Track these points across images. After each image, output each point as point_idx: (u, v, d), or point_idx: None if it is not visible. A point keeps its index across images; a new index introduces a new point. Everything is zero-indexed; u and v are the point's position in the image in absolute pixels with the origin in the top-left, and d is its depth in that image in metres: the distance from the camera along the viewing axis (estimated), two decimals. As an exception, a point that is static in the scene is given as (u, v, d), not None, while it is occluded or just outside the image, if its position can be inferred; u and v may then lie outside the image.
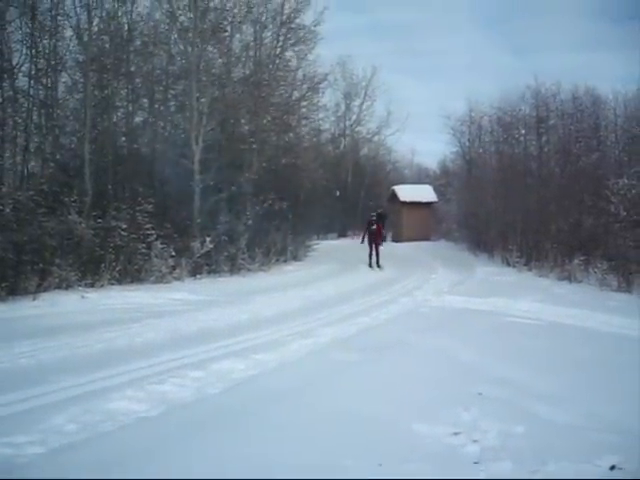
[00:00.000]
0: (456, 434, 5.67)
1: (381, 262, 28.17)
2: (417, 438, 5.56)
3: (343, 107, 53.71)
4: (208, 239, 21.25)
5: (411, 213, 41.67)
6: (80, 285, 16.49)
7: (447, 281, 21.04)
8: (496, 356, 9.24)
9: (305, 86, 33.93)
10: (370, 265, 26.23)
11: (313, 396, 6.85)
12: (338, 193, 46.93)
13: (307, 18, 30.48)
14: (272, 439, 5.43)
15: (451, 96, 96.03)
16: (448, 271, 24.46)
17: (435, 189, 44.43)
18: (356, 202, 49.72)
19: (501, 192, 29.82)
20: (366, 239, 27.24)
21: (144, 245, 18.99)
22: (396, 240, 42.07)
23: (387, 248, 36.94)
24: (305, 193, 34.82)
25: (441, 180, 50.04)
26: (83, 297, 15.22)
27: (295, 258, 28.73)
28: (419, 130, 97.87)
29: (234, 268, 22.90)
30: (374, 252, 26.50)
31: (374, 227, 26.90)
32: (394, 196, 43.57)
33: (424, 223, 41.61)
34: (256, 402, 6.57)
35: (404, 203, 41.96)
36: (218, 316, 13.09)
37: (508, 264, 26.72)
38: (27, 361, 8.48)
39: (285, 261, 27.37)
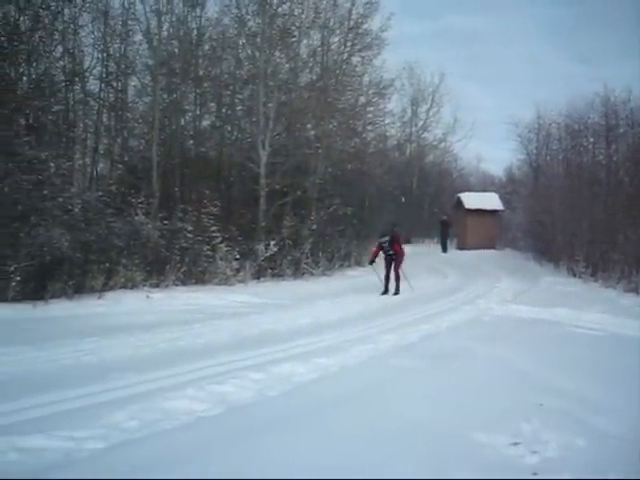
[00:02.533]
0: (515, 444, 5.59)
1: (445, 269, 27.87)
2: (476, 447, 5.49)
3: (409, 113, 53.45)
4: (272, 242, 21.34)
5: (476, 221, 41.18)
6: (145, 285, 16.70)
7: (511, 290, 20.77)
8: (558, 367, 9.08)
9: (371, 91, 33.84)
10: (385, 291, 19.37)
11: (372, 401, 6.82)
12: (403, 199, 46.72)
13: (374, 24, 30.42)
14: (330, 443, 5.42)
15: (518, 104, 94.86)
16: (512, 280, 24.14)
17: (501, 197, 43.76)
18: (421, 209, 49.46)
19: (568, 201, 29.27)
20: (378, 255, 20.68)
21: (209, 247, 19.15)
22: (460, 248, 41.69)
23: (451, 256, 36.79)
24: (370, 199, 34.76)
25: (507, 188, 49.39)
26: (148, 297, 15.40)
27: (359, 264, 28.62)
28: (486, 137, 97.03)
29: (297, 272, 22.95)
30: (392, 274, 19.52)
31: (389, 248, 19.75)
32: (459, 203, 43.15)
33: (489, 231, 41.07)
34: (315, 406, 6.56)
35: (469, 211, 41.49)
36: (280, 319, 13.12)
37: (574, 274, 26.25)
38: (91, 358, 8.61)
39: (349, 266, 27.30)
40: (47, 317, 12.35)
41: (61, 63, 22.24)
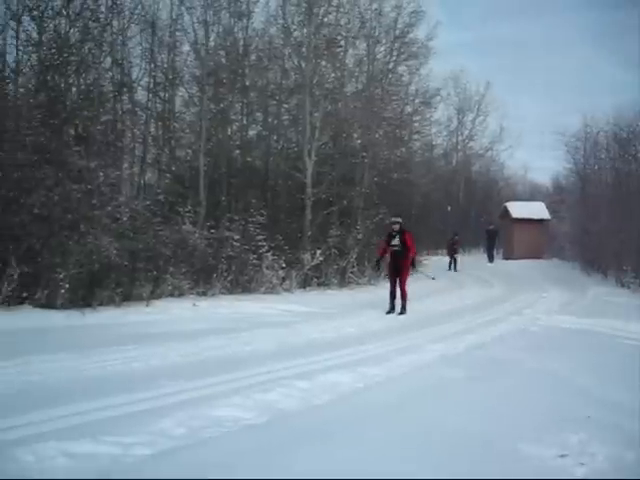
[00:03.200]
0: (563, 456, 5.50)
1: (491, 279, 27.61)
2: (522, 458, 5.42)
3: (456, 122, 53.47)
4: (318, 252, 21.36)
5: (523, 230, 40.83)
6: (192, 293, 16.81)
7: (558, 300, 20.56)
8: (605, 378, 8.94)
9: (417, 100, 33.95)
10: (390, 309, 16.29)
11: (417, 411, 6.78)
12: (449, 209, 46.56)
13: (420, 33, 30.45)
14: (374, 453, 5.39)
15: (565, 112, 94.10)
16: (559, 290, 23.89)
17: (548, 206, 43.38)
18: (467, 218, 49.21)
19: (616, 210, 28.95)
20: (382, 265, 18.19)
21: (255, 256, 19.22)
22: (507, 257, 41.41)
23: (497, 266, 36.49)
24: (416, 208, 34.67)
25: (554, 197, 49.00)
26: (195, 305, 15.49)
27: (405, 273, 28.52)
28: (532, 146, 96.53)
29: (343, 281, 22.94)
30: (397, 288, 16.39)
31: (397, 247, 16.39)
32: (506, 213, 42.86)
33: (536, 241, 40.70)
34: (361, 415, 6.53)
35: (516, 220, 41.16)
36: (326, 328, 13.11)
37: (622, 285, 25.93)
38: (138, 365, 8.66)
39: (395, 276, 27.18)
40: (95, 324, 12.48)
41: (110, 74, 22.54)
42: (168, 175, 23.50)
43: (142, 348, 9.85)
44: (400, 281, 16.31)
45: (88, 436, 5.33)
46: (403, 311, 16.17)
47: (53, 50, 19.07)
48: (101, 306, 13.99)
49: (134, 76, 24.17)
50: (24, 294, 13.40)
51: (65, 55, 19.05)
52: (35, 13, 18.84)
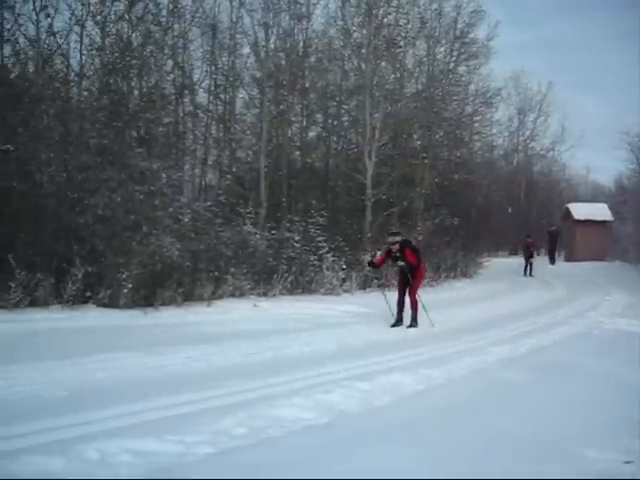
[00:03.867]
0: (628, 463, 5.39)
1: (553, 281, 27.23)
2: (586, 463, 5.33)
3: (516, 122, 52.87)
4: (379, 253, 21.27)
5: (585, 232, 40.18)
6: (252, 294, 16.88)
7: (621, 303, 20.18)
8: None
9: (478, 101, 33.66)
10: (397, 321, 14.11)
11: (478, 414, 6.71)
12: (510, 210, 46.11)
13: (480, 33, 30.21)
14: (433, 455, 5.34)
15: (629, 111, 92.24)
16: (622, 293, 23.44)
17: (610, 207, 42.61)
18: (528, 220, 48.65)
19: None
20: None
21: (316, 257, 19.25)
22: (568, 259, 40.82)
23: (559, 268, 35.98)
24: (477, 209, 34.40)
25: (617, 198, 48.12)
26: (255, 305, 15.55)
27: (465, 275, 28.33)
28: (594, 146, 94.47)
29: (404, 283, 22.82)
30: (406, 299, 14.32)
31: (401, 258, 14.35)
32: (568, 214, 42.26)
33: (598, 243, 39.98)
34: (421, 417, 6.49)
35: (578, 221, 40.53)
36: (386, 329, 13.09)
37: (687, 287, 25.37)
38: (200, 365, 8.74)
39: (455, 277, 27.02)
40: (157, 324, 12.60)
41: (171, 77, 22.80)
42: (229, 176, 23.65)
43: (203, 348, 9.93)
44: (410, 290, 14.21)
45: (152, 434, 5.38)
46: (413, 324, 13.93)
47: (116, 54, 19.35)
48: (163, 306, 14.14)
49: (195, 78, 24.40)
50: (88, 293, 13.60)
51: (127, 58, 19.32)
52: (98, 18, 19.13)
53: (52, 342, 10.43)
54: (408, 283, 14.27)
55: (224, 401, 6.74)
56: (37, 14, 17.96)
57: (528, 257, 32.62)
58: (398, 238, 14.69)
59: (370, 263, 15.87)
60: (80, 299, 13.50)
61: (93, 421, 5.88)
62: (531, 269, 32.48)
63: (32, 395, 6.81)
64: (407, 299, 14.23)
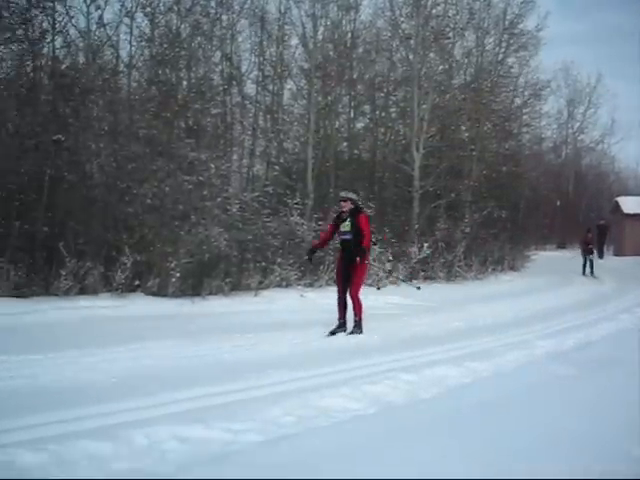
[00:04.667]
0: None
1: (602, 275, 26.86)
2: (634, 461, 5.23)
3: (565, 114, 52.35)
4: (426, 245, 21.23)
5: (635, 226, 39.52)
6: (299, 284, 16.95)
7: (673, 299, 19.86)
8: None
9: (527, 93, 33.36)
10: (338, 327, 11.16)
11: (526, 409, 6.60)
12: (558, 203, 45.65)
13: (530, 23, 29.88)
14: (477, 449, 5.29)
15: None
16: (673, 288, 23.05)
17: (663, 201, 41.96)
18: (576, 213, 48.14)
19: None
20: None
21: (362, 248, 19.25)
22: (617, 254, 40.25)
23: (607, 262, 35.48)
24: (525, 202, 34.10)
25: (669, 191, 47.41)
26: (302, 296, 15.61)
27: (512, 268, 28.10)
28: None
29: (450, 275, 22.75)
30: (355, 307, 11.22)
31: (348, 235, 11.22)
32: (617, 208, 41.71)
33: (648, 237, 39.40)
34: (467, 410, 6.43)
35: (627, 215, 39.94)
36: (432, 322, 13.03)
37: None
38: (247, 354, 8.83)
39: (501, 271, 26.81)
40: (205, 313, 12.71)
41: (219, 68, 22.91)
42: (276, 167, 23.75)
43: (250, 337, 9.99)
44: (351, 286, 11.13)
45: (199, 421, 5.41)
46: (356, 330, 11.09)
47: (165, 45, 19.49)
48: (210, 295, 14.26)
49: (243, 69, 24.51)
50: (136, 282, 13.77)
51: (176, 50, 19.45)
52: (148, 9, 19.31)
53: (101, 330, 10.60)
54: (348, 276, 11.16)
55: (271, 390, 6.76)
56: (88, 6, 18.17)
57: (588, 253, 29.85)
58: (352, 195, 11.49)
59: (309, 253, 12.16)
60: (129, 287, 13.67)
61: (141, 408, 5.93)
62: (592, 267, 29.42)
63: (82, 381, 6.90)
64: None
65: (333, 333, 10.98)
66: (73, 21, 18.01)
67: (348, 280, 11.16)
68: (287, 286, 16.55)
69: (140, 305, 12.90)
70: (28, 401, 6.06)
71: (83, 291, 13.42)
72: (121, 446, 4.80)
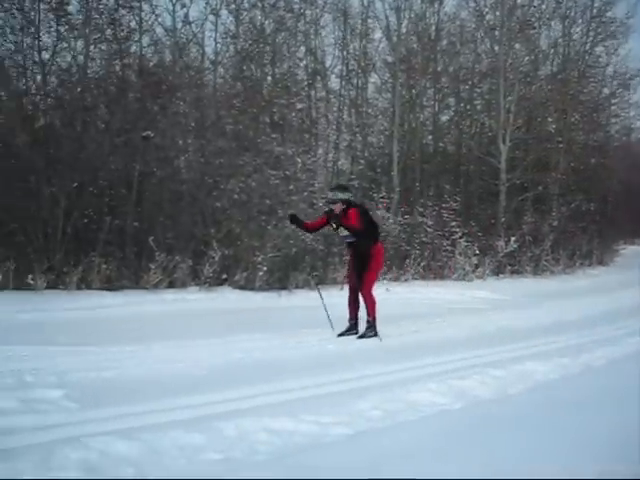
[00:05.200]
0: None
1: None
2: None
3: (657, 104, 50.92)
4: (512, 239, 20.99)
5: None
6: (385, 278, 16.93)
7: None
8: None
9: (615, 82, 32.52)
10: (348, 328, 10.23)
11: (617, 408, 6.46)
12: (649, 195, 44.53)
13: (618, 10, 29.23)
14: (567, 449, 5.19)
15: None
16: None
17: None
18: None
19: None
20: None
21: (448, 242, 19.20)
22: None
23: None
24: (614, 195, 33.39)
25: None
26: (387, 290, 15.59)
27: (600, 262, 27.60)
28: None
29: (537, 269, 22.46)
30: (368, 305, 10.17)
31: (351, 239, 10.13)
32: None
33: None
34: (555, 407, 6.34)
35: None
36: (519, 316, 12.87)
37: None
38: (335, 347, 8.95)
39: (589, 265, 26.34)
40: (292, 306, 12.82)
41: (304, 62, 23.02)
42: (361, 161, 23.75)
43: (337, 331, 10.01)
44: (362, 284, 10.12)
45: (288, 414, 5.45)
46: (368, 332, 9.96)
47: (249, 41, 19.73)
48: (297, 289, 14.37)
49: (327, 64, 24.59)
50: (224, 276, 13.97)
51: (261, 45, 19.65)
52: (232, 6, 19.59)
53: (190, 322, 10.79)
54: (360, 273, 10.14)
55: (360, 383, 6.77)
56: (173, 4, 18.56)
57: None
58: (342, 195, 10.10)
59: (294, 218, 10.56)
60: (216, 281, 13.90)
61: (231, 399, 5.99)
62: None
63: (171, 373, 7.03)
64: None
65: (341, 335, 9.98)
66: (159, 20, 18.39)
67: (361, 276, 10.10)
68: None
69: (228, 298, 13.11)
70: (120, 391, 6.19)
71: (172, 284, 13.69)
72: (212, 437, 4.86)
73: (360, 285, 10.12)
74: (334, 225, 10.02)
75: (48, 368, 7.11)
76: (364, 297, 10.12)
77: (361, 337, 9.86)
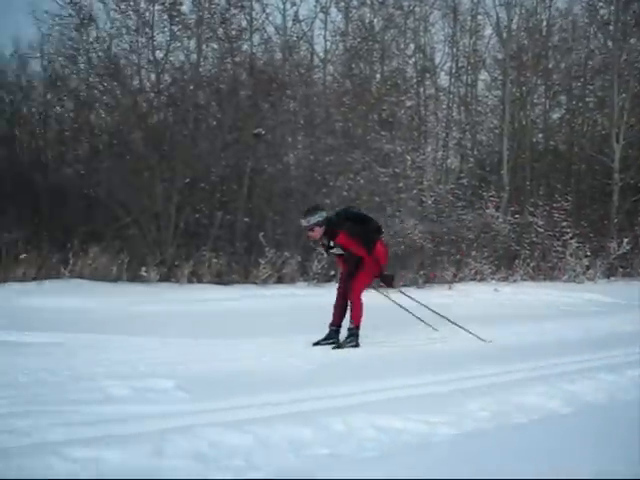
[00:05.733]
0: None
1: None
2: None
3: None
4: (625, 240, 20.44)
5: None
6: (493, 278, 16.78)
7: None
8: None
9: None
10: (328, 334, 9.06)
11: None
12: None
13: None
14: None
15: None
16: None
17: None
18: None
19: None
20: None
21: (559, 243, 18.84)
22: None
23: None
24: None
25: None
26: (496, 290, 15.43)
27: None
28: None
29: (651, 272, 21.81)
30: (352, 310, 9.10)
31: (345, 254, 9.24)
32: None
33: None
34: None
35: None
36: (634, 320, 12.53)
37: None
38: (441, 346, 8.95)
39: None
40: (396, 304, 12.78)
41: (412, 60, 22.97)
42: (471, 159, 23.57)
43: (445, 330, 9.98)
44: (351, 287, 9.13)
45: (397, 412, 5.45)
46: (347, 342, 8.88)
47: (358, 39, 19.80)
48: (404, 287, 14.34)
49: (437, 61, 24.48)
50: (332, 272, 14.08)
51: (370, 43, 19.70)
52: (342, 4, 19.73)
53: (298, 317, 10.90)
54: (352, 268, 9.24)
55: (468, 384, 6.71)
56: (284, 3, 18.86)
57: None
58: (314, 217, 9.04)
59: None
60: (324, 277, 14.01)
61: (339, 395, 6.04)
62: None
63: (283, 367, 7.15)
64: None
65: (316, 344, 8.86)
66: (270, 18, 18.67)
67: (352, 276, 9.14)
68: (481, 280, 16.44)
69: (332, 294, 13.18)
70: (230, 384, 6.39)
71: (281, 280, 13.88)
72: (320, 432, 4.90)
73: (350, 288, 9.09)
74: (332, 246, 9.09)
75: (160, 359, 7.36)
76: (351, 299, 9.05)
77: (337, 347, 8.74)
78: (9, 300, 12.56)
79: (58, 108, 19.35)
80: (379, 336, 9.38)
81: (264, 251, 13.58)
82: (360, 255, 8.95)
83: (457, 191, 17.91)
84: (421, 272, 14.76)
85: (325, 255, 10.38)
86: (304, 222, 9.05)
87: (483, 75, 25.50)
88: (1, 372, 6.57)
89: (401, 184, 15.31)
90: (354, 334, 8.86)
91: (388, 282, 9.47)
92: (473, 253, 16.42)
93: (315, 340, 8.89)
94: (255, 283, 13.52)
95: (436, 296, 14.08)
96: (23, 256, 14.60)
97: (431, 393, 6.34)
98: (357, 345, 8.77)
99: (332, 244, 9.02)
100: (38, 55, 19.00)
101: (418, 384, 6.65)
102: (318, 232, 8.98)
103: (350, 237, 8.85)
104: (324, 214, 9.06)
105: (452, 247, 16.02)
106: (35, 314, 11.15)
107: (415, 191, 15.72)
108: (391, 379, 6.76)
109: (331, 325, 9.10)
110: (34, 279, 14.36)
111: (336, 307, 9.23)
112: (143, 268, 14.13)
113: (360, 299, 9.02)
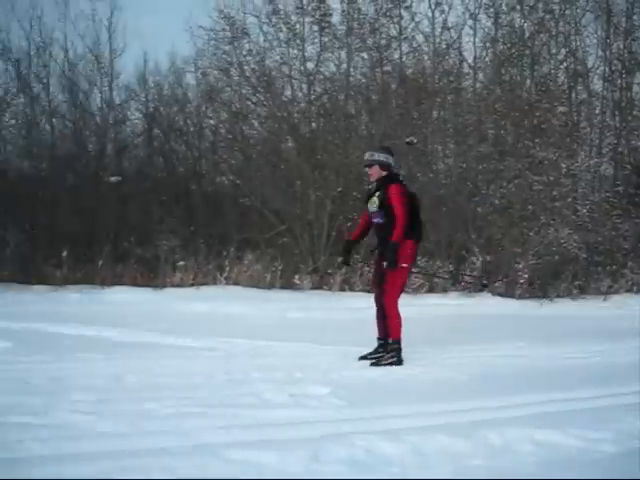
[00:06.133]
0: None
1: None
2: None
3: None
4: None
5: None
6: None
7: None
8: None
9: None
10: (376, 348, 8.14)
11: None
12: None
13: None
14: None
15: None
16: None
17: None
18: None
19: None
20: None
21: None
22: None
23: None
24: None
25: None
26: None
27: None
28: None
29: None
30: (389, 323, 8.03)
31: (379, 218, 7.97)
32: None
33: None
34: None
35: None
36: None
37: None
38: (600, 360, 8.61)
39: None
40: (553, 315, 12.55)
41: (564, 64, 22.48)
42: (627, 165, 22.84)
43: (603, 343, 9.67)
44: (384, 292, 8.10)
45: (555, 426, 5.35)
46: (387, 359, 7.91)
47: (508, 45, 19.56)
48: (558, 298, 14.08)
49: (589, 65, 23.83)
50: (484, 281, 13.97)
51: (520, 48, 19.44)
52: (491, 10, 19.52)
53: (450, 326, 10.84)
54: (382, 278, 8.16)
55: (629, 399, 6.51)
56: (432, 11, 18.74)
57: None
58: (381, 157, 8.09)
59: (344, 251, 8.96)
60: (476, 287, 13.89)
61: (493, 408, 6.01)
62: None
63: (434, 378, 7.18)
64: None
65: (364, 357, 8.05)
66: (419, 26, 18.66)
67: (383, 281, 8.10)
68: (638, 291, 15.84)
69: (488, 304, 13.07)
70: (383, 392, 6.48)
71: (432, 289, 13.87)
72: (476, 444, 4.88)
73: (381, 293, 8.16)
74: (373, 197, 8.01)
75: (314, 365, 7.50)
76: (386, 312, 8.03)
77: (375, 364, 7.84)
78: (169, 305, 13.10)
79: (212, 120, 20.03)
80: (534, 347, 9.20)
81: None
82: (397, 215, 7.67)
83: (612, 199, 17.33)
84: (575, 283, 14.41)
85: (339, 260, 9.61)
86: (368, 155, 8.19)
87: (638, 78, 24.70)
88: (166, 374, 6.87)
89: (555, 192, 14.99)
90: (395, 349, 7.92)
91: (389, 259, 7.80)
92: (629, 264, 15.87)
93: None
94: (406, 292, 13.57)
95: (591, 308, 13.73)
96: (181, 263, 15.23)
97: (591, 408, 6.19)
98: (400, 362, 7.85)
99: (377, 194, 7.92)
100: (193, 69, 19.73)
101: (576, 398, 6.50)
102: (376, 173, 8.01)
103: (401, 197, 7.80)
104: (392, 160, 8.17)
105: (607, 257, 15.55)
106: (193, 319, 11.58)
107: (570, 199, 15.34)
108: (547, 392, 6.63)
109: (378, 339, 8.26)
110: (191, 285, 14.94)
111: (377, 318, 8.30)
112: (296, 276, 14.43)
113: (396, 308, 7.94)
